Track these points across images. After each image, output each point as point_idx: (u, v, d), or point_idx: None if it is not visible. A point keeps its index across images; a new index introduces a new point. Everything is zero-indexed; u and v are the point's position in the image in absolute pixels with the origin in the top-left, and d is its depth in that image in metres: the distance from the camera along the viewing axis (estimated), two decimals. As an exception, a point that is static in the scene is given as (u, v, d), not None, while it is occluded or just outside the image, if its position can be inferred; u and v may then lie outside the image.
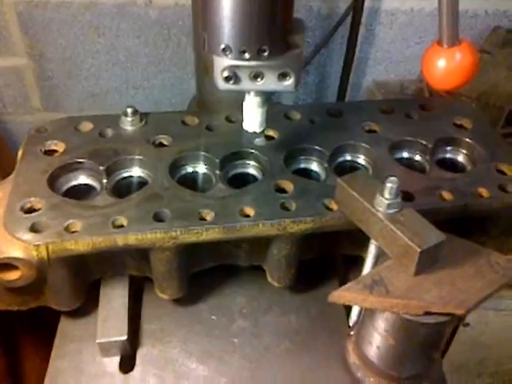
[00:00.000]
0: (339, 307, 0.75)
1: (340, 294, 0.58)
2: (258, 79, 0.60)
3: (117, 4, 1.16)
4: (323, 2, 1.22)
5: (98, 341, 0.69)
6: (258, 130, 0.69)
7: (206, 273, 0.74)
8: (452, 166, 0.78)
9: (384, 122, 0.80)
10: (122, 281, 0.74)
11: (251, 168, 0.76)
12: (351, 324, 0.72)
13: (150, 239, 0.64)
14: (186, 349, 0.72)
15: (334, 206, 0.67)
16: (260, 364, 0.70)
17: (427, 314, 0.55)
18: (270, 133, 0.77)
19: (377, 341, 0.62)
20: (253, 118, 0.67)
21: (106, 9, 1.17)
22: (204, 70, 0.80)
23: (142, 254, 0.68)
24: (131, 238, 0.63)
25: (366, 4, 1.17)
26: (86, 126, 0.78)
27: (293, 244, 0.68)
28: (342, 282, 0.77)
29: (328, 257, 0.77)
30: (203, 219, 0.66)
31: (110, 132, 0.77)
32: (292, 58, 0.59)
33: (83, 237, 0.63)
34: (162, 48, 1.25)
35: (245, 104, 0.66)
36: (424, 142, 0.77)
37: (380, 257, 0.63)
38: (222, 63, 0.58)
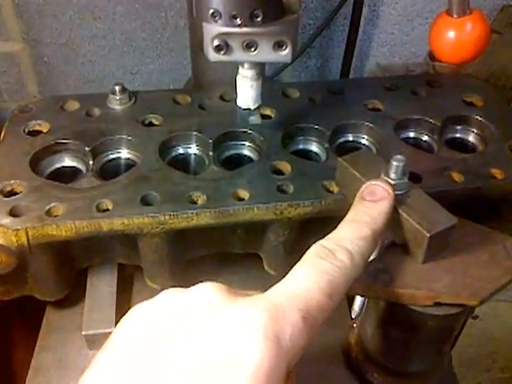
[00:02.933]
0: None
1: (342, 283, 0.53)
2: (252, 49, 0.55)
3: (111, -14, 1.11)
4: (325, -18, 1.18)
5: (83, 333, 0.65)
6: (252, 107, 0.64)
7: (198, 261, 0.69)
8: (462, 146, 0.73)
9: (389, 100, 0.75)
10: (110, 269, 0.70)
11: (246, 149, 0.72)
12: (354, 316, 0.68)
13: (136, 224, 0.59)
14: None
15: (335, 188, 0.62)
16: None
17: (437, 304, 0.50)
18: (267, 111, 0.73)
19: (381, 334, 0.57)
20: (247, 93, 0.62)
21: (101, -9, 1.12)
22: (198, 47, 0.75)
23: (130, 240, 0.63)
24: (117, 223, 0.59)
25: (369, -17, 1.12)
26: (72, 106, 0.74)
27: (291, 229, 0.63)
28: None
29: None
30: (194, 203, 0.61)
31: (97, 111, 0.73)
32: (288, 24, 0.54)
33: (65, 221, 0.58)
34: (159, 31, 1.21)
35: (238, 78, 0.61)
36: (432, 121, 0.72)
37: (385, 243, 0.58)
38: (212, 30, 0.53)
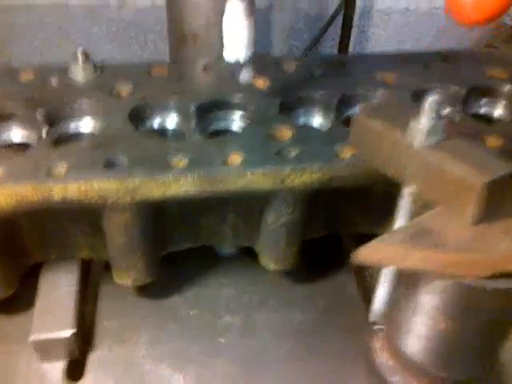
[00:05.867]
0: (354, 298, 0.59)
1: (371, 251, 0.40)
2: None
3: (88, 6, 1.09)
4: (312, 2, 1.14)
5: (31, 338, 0.51)
6: (242, 58, 0.51)
7: (183, 257, 0.58)
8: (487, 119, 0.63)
9: (402, 71, 0.63)
10: (71, 265, 0.57)
11: (237, 121, 0.59)
12: (373, 316, 0.54)
13: (97, 191, 0.46)
14: (154, 352, 0.55)
15: (347, 155, 0.50)
16: (254, 369, 0.53)
17: (494, 277, 0.38)
18: (260, 81, 0.61)
19: (420, 327, 0.44)
20: (236, 37, 0.50)
21: (76, 12, 1.10)
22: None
23: (94, 225, 0.51)
24: (72, 188, 0.46)
25: (358, 3, 1.09)
26: (27, 75, 0.62)
27: (295, 207, 0.51)
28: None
29: (338, 236, 0.61)
30: (173, 167, 0.48)
31: (55, 81, 0.60)
32: None
33: (4, 185, 0.45)
34: (137, 53, 1.18)
35: (225, 17, 0.50)
36: (456, 89, 0.61)
37: (414, 212, 0.46)
38: None
